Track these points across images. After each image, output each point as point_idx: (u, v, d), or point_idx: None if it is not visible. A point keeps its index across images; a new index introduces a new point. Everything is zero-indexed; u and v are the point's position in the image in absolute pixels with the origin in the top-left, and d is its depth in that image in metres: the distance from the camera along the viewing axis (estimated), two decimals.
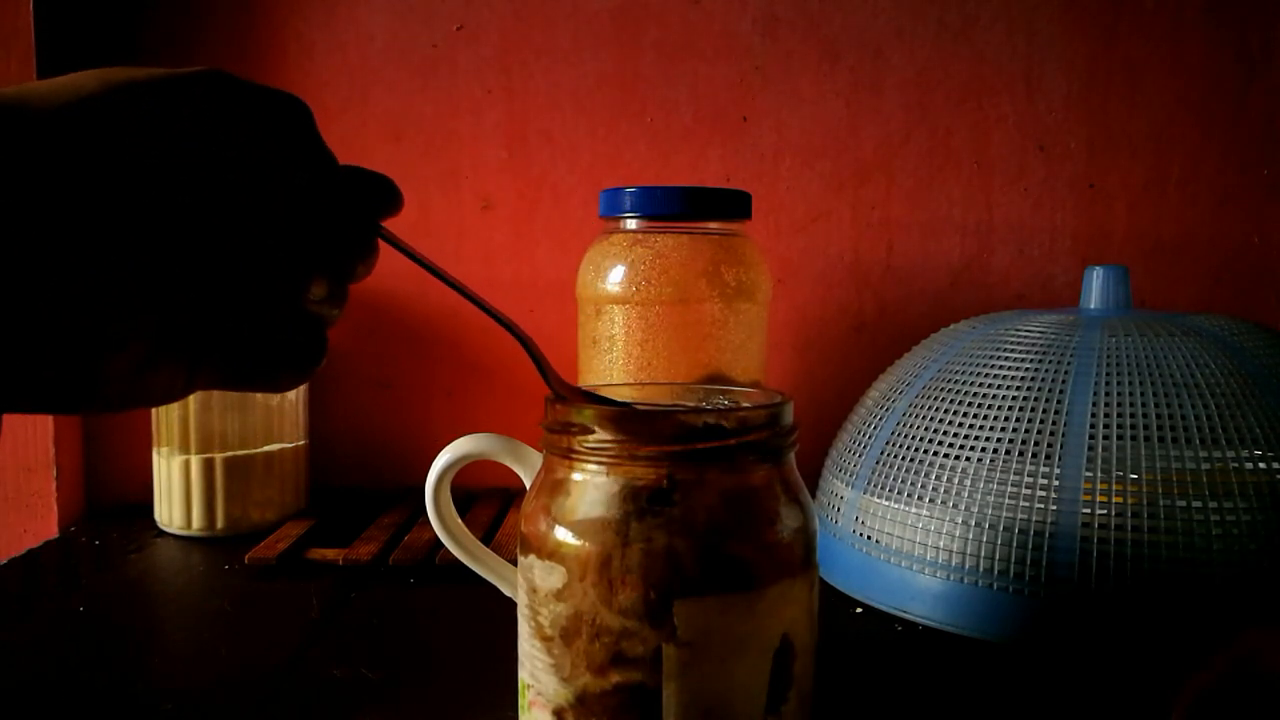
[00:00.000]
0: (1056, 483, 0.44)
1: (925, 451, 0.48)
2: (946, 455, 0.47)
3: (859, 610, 0.49)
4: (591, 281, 0.54)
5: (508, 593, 0.38)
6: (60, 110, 0.21)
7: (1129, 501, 0.43)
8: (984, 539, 0.45)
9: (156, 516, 0.64)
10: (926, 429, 0.49)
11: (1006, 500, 0.45)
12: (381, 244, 0.29)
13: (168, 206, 0.22)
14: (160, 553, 0.59)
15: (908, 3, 0.70)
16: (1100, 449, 0.44)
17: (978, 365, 0.50)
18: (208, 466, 0.61)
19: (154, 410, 0.63)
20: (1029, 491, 0.45)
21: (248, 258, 0.24)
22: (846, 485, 0.52)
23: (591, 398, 0.33)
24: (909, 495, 0.48)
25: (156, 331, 0.23)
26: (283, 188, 0.25)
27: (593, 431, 0.30)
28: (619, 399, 0.35)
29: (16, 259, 0.20)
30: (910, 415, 0.50)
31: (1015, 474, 0.45)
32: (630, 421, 0.30)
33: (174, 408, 0.62)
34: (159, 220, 0.22)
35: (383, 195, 0.28)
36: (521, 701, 0.33)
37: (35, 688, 0.40)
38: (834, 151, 0.71)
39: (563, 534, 0.30)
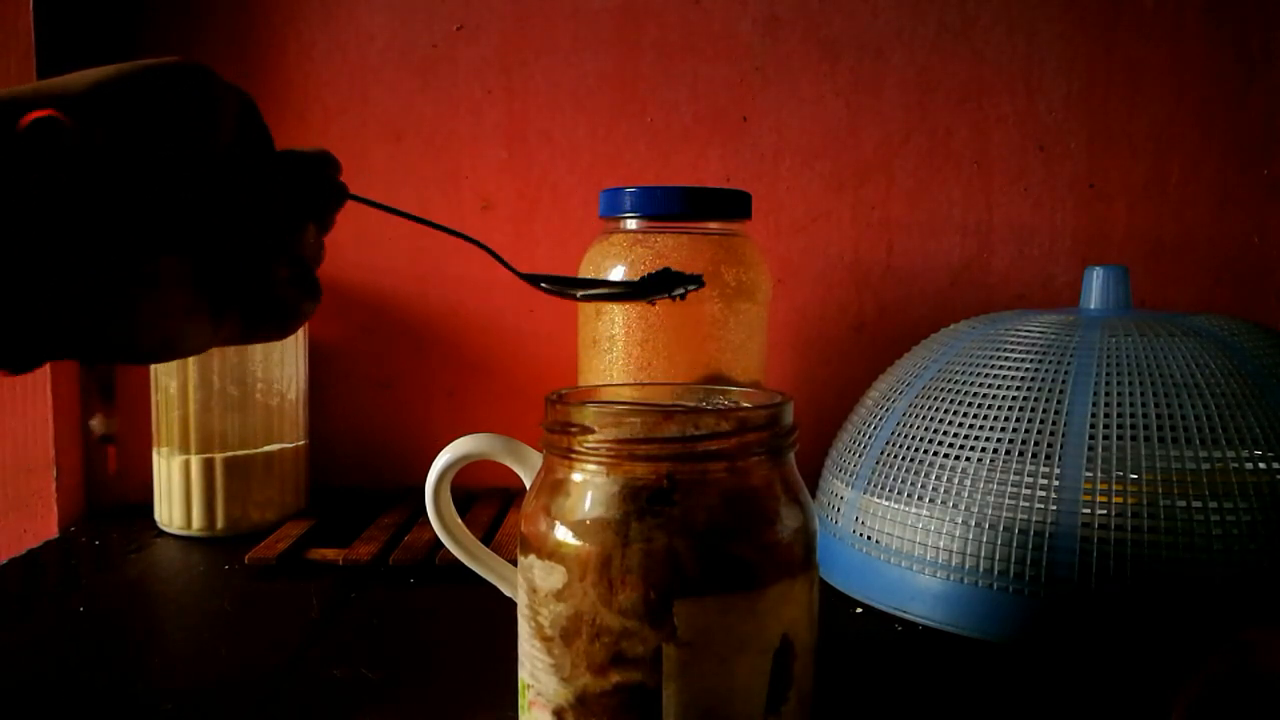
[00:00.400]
0: (1056, 483, 0.44)
1: (925, 451, 0.48)
2: (946, 455, 0.47)
3: (859, 610, 0.49)
4: None
5: (508, 593, 0.38)
6: (92, 91, 0.25)
7: (1129, 501, 0.43)
8: (984, 539, 0.45)
9: (156, 516, 0.64)
10: (926, 429, 0.49)
11: (1006, 500, 0.45)
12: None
13: (187, 169, 0.26)
14: (160, 553, 0.59)
15: (908, 3, 0.70)
16: (1100, 449, 0.44)
17: (978, 365, 0.50)
18: (208, 466, 0.61)
19: (154, 410, 0.63)
20: (1029, 491, 0.45)
21: (252, 214, 0.29)
22: (846, 485, 0.52)
23: (556, 281, 0.36)
24: (909, 495, 0.48)
25: (185, 276, 0.27)
26: (271, 152, 0.30)
27: (593, 431, 0.30)
28: (619, 399, 0.35)
29: (63, 219, 0.24)
30: (910, 415, 0.50)
31: (1015, 474, 0.45)
32: (630, 421, 0.30)
33: (174, 408, 0.62)
34: (182, 184, 0.26)
35: (333, 163, 0.34)
36: (521, 701, 0.33)
37: (35, 688, 0.40)
38: (834, 151, 0.71)
39: (563, 534, 0.30)
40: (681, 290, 0.36)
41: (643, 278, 0.36)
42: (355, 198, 0.33)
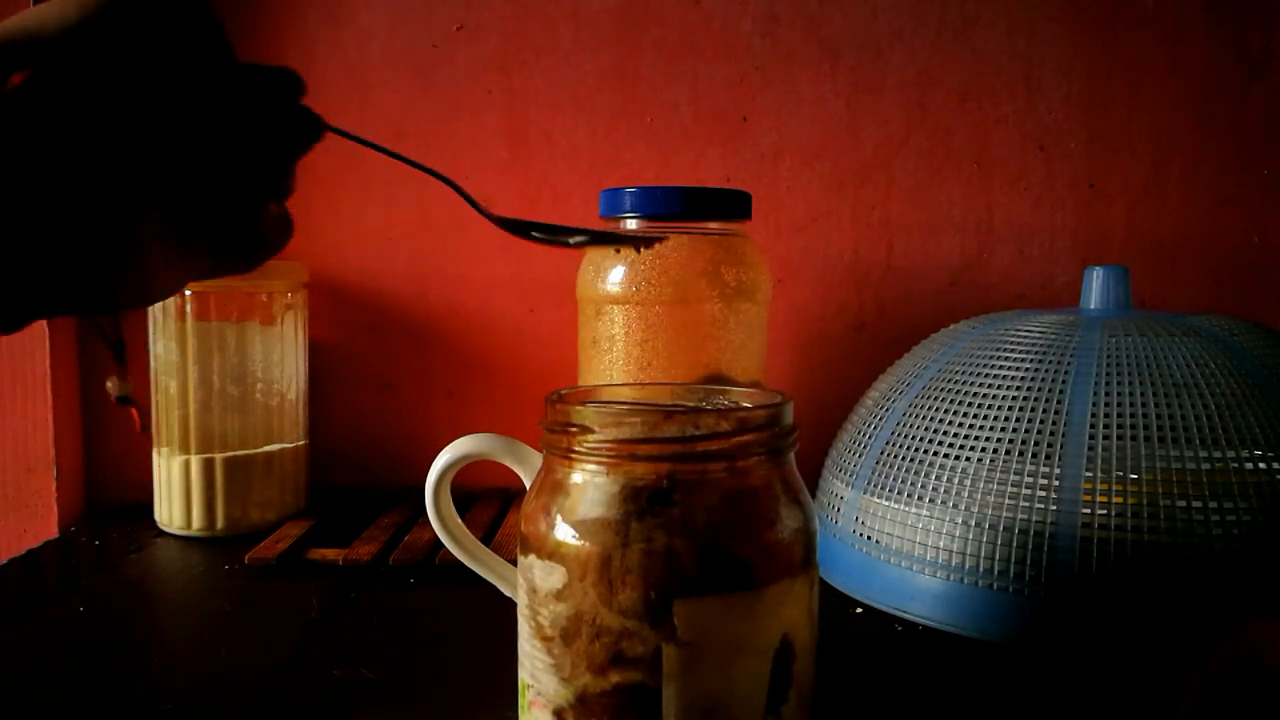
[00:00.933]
0: (1056, 483, 0.44)
1: (925, 451, 0.48)
2: (946, 455, 0.47)
3: (859, 610, 0.49)
4: (591, 281, 0.54)
5: (508, 593, 0.38)
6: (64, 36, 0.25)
7: (1129, 501, 0.43)
8: (984, 539, 0.45)
9: (156, 516, 0.64)
10: (926, 429, 0.49)
11: (1006, 500, 0.45)
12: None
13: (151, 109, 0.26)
14: (160, 553, 0.59)
15: (908, 3, 0.70)
16: (1100, 449, 0.44)
17: (978, 365, 0.50)
18: (208, 466, 0.61)
19: (154, 410, 0.63)
20: (1029, 491, 0.45)
21: (236, 152, 0.28)
22: (846, 485, 0.52)
23: (517, 225, 0.36)
24: (909, 495, 0.48)
25: (162, 222, 0.27)
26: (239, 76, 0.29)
27: (593, 431, 0.30)
28: (619, 399, 0.35)
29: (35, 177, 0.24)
30: (910, 415, 0.50)
31: (1015, 474, 0.45)
32: (630, 421, 0.30)
33: (174, 408, 0.62)
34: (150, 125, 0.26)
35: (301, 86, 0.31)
36: (521, 701, 0.33)
37: (35, 688, 0.40)
38: (834, 151, 0.71)
39: (563, 534, 0.30)
40: (642, 245, 0.41)
41: (611, 234, 0.40)
42: (331, 128, 0.32)
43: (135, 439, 0.69)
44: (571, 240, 0.37)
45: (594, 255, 0.55)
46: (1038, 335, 0.50)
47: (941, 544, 0.46)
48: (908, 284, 0.72)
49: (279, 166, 0.30)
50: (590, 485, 0.30)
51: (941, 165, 0.71)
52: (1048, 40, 0.70)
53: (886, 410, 0.52)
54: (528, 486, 0.34)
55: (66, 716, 0.38)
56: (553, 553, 0.30)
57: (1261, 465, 0.43)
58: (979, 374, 0.49)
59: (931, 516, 0.47)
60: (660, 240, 0.42)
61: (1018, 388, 0.47)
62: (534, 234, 0.36)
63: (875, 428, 0.52)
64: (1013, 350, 0.49)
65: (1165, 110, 0.71)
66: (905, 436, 0.50)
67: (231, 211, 0.30)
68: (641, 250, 0.40)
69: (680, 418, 0.31)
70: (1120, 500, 0.43)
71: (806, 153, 0.71)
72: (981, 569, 0.45)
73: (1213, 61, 0.70)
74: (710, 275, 0.52)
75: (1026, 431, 0.46)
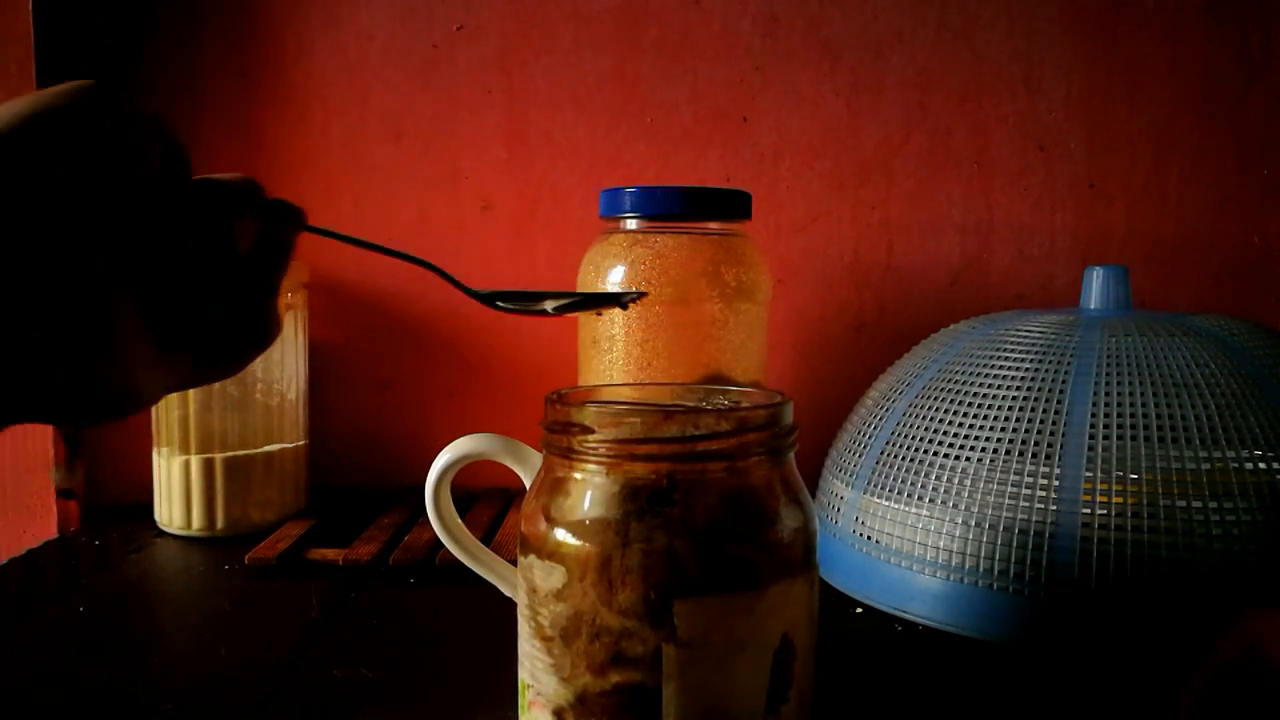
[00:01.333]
0: (1056, 483, 0.44)
1: (925, 451, 0.48)
2: (946, 455, 0.47)
3: (859, 610, 0.49)
4: (591, 281, 0.54)
5: (508, 593, 0.38)
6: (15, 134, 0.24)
7: (1129, 501, 0.43)
8: (984, 539, 0.45)
9: (156, 517, 0.64)
10: (926, 429, 0.49)
11: (1006, 500, 0.45)
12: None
13: (112, 204, 0.26)
14: (160, 553, 0.59)
15: (908, 3, 0.70)
16: (1100, 449, 0.44)
17: (978, 365, 0.50)
18: (208, 466, 0.61)
19: (154, 410, 0.63)
20: (1029, 491, 0.45)
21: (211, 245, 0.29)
22: (846, 485, 0.52)
23: (512, 297, 0.37)
24: (909, 495, 0.48)
25: (134, 316, 0.27)
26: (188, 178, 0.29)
27: (593, 431, 0.30)
28: (619, 399, 0.35)
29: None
30: (910, 415, 0.50)
31: (1015, 474, 0.45)
32: (630, 421, 0.30)
33: (174, 408, 0.62)
34: (110, 222, 0.26)
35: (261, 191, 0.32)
36: (521, 701, 0.33)
37: (35, 688, 0.40)
38: (834, 151, 0.71)
39: (563, 534, 0.30)
40: (628, 300, 0.41)
41: (593, 294, 0.40)
42: (311, 228, 0.33)
43: (136, 438, 0.69)
44: (550, 308, 0.38)
45: (594, 254, 0.55)
46: (1038, 335, 0.50)
47: (941, 544, 0.46)
48: (908, 284, 0.72)
49: (267, 266, 0.31)
50: (590, 485, 0.30)
51: (941, 165, 0.71)
52: (1048, 40, 0.70)
53: (886, 410, 0.52)
54: (528, 486, 0.34)
55: (66, 716, 0.38)
56: (553, 553, 0.30)
57: (1261, 465, 0.43)
58: (979, 374, 0.49)
59: (931, 516, 0.47)
60: (643, 296, 0.43)
61: (1018, 388, 0.47)
62: (500, 304, 0.37)
63: (875, 428, 0.52)
64: (1013, 350, 0.49)
65: (1165, 110, 0.71)
66: (905, 436, 0.50)
67: (229, 309, 0.30)
68: (628, 306, 0.41)
69: (680, 418, 0.31)
70: (1120, 500, 0.43)
71: (806, 153, 0.71)
72: (981, 569, 0.45)
73: (1213, 61, 0.70)
74: (710, 275, 0.52)
75: (1026, 431, 0.46)
